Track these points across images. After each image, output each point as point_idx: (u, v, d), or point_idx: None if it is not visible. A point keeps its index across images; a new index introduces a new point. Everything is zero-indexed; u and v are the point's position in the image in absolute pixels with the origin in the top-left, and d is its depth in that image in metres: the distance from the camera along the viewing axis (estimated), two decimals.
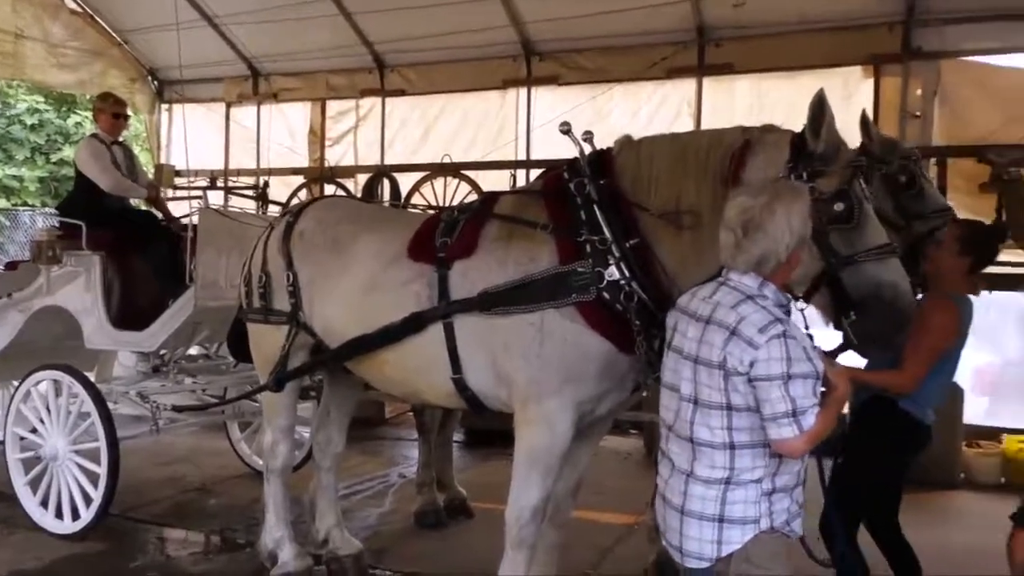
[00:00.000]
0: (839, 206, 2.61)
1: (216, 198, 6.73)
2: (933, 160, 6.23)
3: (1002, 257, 5.93)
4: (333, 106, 8.97)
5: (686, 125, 7.21)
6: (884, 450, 3.37)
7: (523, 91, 7.96)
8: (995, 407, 6.97)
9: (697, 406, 2.31)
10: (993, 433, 6.29)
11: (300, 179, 8.51)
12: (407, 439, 6.87)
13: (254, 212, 6.15)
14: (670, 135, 3.28)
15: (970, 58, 6.58)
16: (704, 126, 6.98)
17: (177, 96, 9.50)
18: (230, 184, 7.87)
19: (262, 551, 4.13)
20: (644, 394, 3.50)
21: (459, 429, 6.88)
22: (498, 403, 3.32)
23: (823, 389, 2.31)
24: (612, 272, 2.98)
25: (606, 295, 2.98)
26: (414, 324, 3.31)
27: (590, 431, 3.40)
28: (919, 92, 6.40)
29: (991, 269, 5.85)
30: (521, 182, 7.03)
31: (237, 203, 6.55)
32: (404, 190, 7.63)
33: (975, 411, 6.62)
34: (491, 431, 5.99)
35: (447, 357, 3.27)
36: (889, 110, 6.54)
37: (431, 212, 4.79)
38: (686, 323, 2.40)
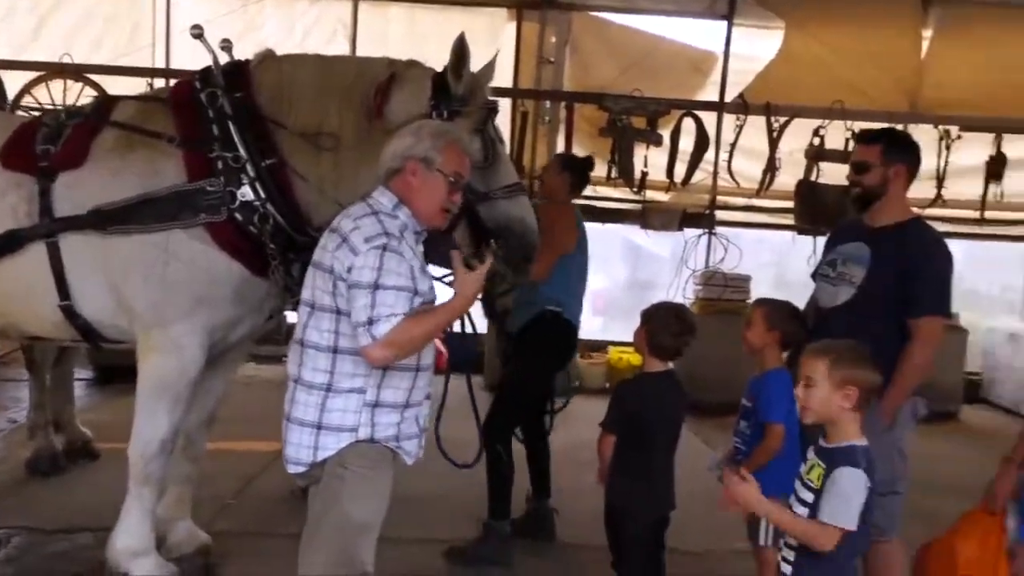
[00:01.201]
0: (475, 145, 2.76)
1: None
2: (563, 104, 6.92)
3: (612, 193, 6.99)
4: None
5: (342, 48, 7.08)
6: (549, 354, 3.86)
7: None
8: (606, 324, 8.10)
9: (313, 310, 2.34)
10: (602, 346, 7.33)
11: None
12: (18, 379, 6.00)
13: None
14: (315, 56, 3.21)
15: (595, 13, 7.32)
16: (360, 51, 6.93)
17: None
18: None
19: None
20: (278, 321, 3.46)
21: (88, 365, 6.25)
22: (116, 332, 3.06)
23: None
24: (245, 192, 2.87)
25: (239, 216, 2.87)
26: (9, 243, 2.89)
27: (224, 359, 3.27)
28: (553, 40, 6.98)
29: (603, 204, 6.84)
30: None
31: None
32: (11, 92, 6.48)
33: (591, 328, 7.62)
34: (124, 366, 5.48)
35: (52, 282, 2.91)
36: (528, 54, 7.05)
37: None
38: (324, 234, 2.42)
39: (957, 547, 2.45)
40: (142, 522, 3.04)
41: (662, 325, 2.91)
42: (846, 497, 2.10)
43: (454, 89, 2.80)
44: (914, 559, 2.62)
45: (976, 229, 7.12)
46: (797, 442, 2.86)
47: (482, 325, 6.26)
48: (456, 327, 2.61)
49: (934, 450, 5.30)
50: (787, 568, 2.24)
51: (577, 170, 4.01)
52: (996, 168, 6.86)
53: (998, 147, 6.85)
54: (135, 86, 6.74)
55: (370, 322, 2.18)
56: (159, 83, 6.74)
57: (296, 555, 2.48)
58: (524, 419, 3.91)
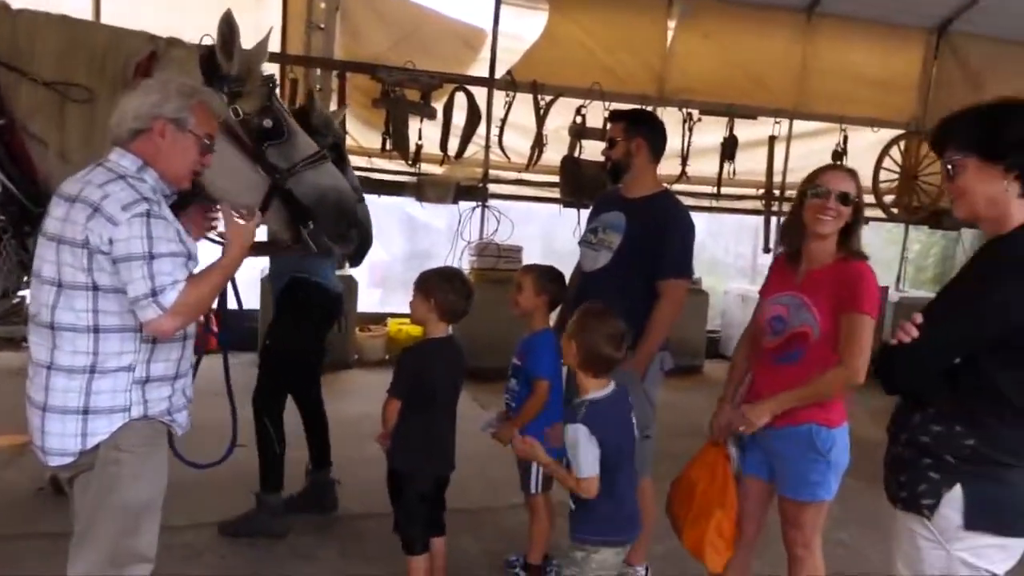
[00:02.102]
0: (267, 123, 2.67)
1: None
2: (335, 72, 6.76)
3: (388, 166, 6.96)
4: None
5: (82, 8, 6.33)
6: (303, 321, 3.74)
7: None
8: (385, 297, 8.08)
9: (61, 289, 2.15)
10: (380, 318, 7.33)
11: None
12: None
13: None
14: (57, 16, 2.87)
15: None
16: (104, 11, 6.26)
17: None
18: None
19: None
20: (16, 301, 3.11)
21: None
22: None
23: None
24: None
25: None
26: None
27: None
28: (323, 6, 6.75)
29: (379, 176, 6.81)
30: None
31: None
32: None
33: (370, 301, 7.59)
34: None
35: None
36: (297, 19, 6.77)
37: None
38: (55, 204, 2.20)
39: (694, 478, 2.79)
40: None
41: (451, 290, 2.99)
42: (573, 450, 2.46)
43: (227, 70, 2.66)
44: (667, 494, 2.94)
45: (714, 203, 7.97)
46: (561, 397, 3.09)
47: (253, 300, 6.09)
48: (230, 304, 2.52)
49: (681, 399, 5.93)
50: (573, 505, 2.58)
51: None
52: (729, 149, 7.72)
53: (730, 130, 7.70)
54: None
55: (153, 293, 2.08)
56: None
57: (51, 555, 2.29)
58: (289, 390, 3.80)
